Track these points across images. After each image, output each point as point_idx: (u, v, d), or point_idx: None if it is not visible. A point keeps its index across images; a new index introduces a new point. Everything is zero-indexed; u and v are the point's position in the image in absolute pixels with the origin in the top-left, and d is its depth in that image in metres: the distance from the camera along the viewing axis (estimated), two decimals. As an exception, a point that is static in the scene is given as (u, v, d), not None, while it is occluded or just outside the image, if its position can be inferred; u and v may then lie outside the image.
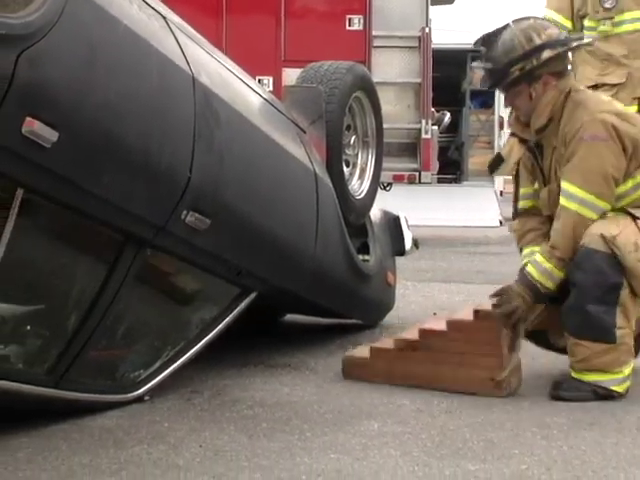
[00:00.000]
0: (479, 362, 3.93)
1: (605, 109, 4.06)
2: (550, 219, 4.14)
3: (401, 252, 5.67)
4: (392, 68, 11.25)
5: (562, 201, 4.00)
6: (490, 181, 16.19)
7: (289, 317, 5.54)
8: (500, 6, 24.24)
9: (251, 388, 4.06)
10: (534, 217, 4.28)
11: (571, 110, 4.08)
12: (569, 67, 4.21)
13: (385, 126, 5.33)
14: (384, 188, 11.78)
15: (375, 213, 5.43)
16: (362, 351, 4.28)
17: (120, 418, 3.55)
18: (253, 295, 4.20)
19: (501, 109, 16.62)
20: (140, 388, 3.77)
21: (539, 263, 4.00)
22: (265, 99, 4.41)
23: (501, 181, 16.74)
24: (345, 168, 4.96)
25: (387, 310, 5.56)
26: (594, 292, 3.87)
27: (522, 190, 4.32)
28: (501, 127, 16.95)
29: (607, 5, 5.76)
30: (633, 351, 4.01)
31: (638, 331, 4.05)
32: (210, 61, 3.93)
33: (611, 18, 5.78)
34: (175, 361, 3.91)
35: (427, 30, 11.21)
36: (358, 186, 5.12)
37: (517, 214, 4.34)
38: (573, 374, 3.96)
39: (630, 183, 4.02)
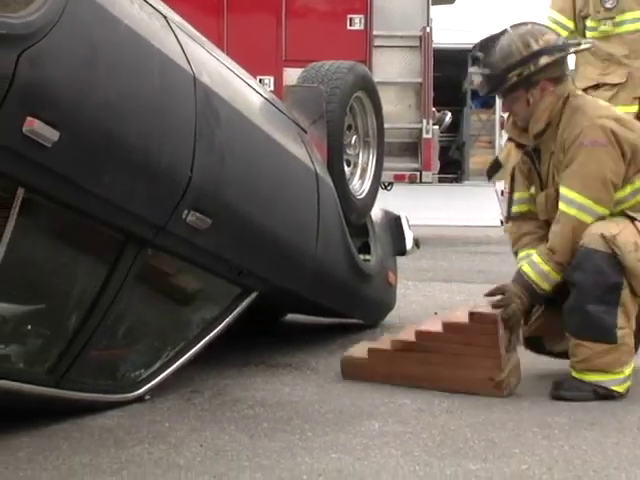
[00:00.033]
0: (477, 363, 3.93)
1: (604, 114, 4.07)
2: (546, 223, 4.16)
3: (402, 252, 5.67)
4: (393, 68, 11.26)
5: (562, 206, 4.01)
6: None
7: (290, 317, 5.54)
8: (501, 6, 24.26)
9: (252, 388, 4.06)
10: (530, 221, 4.28)
11: (569, 115, 4.08)
12: (567, 72, 4.21)
13: (386, 126, 5.33)
14: (385, 188, 11.78)
15: (376, 213, 5.43)
16: (360, 351, 4.27)
17: (121, 418, 3.55)
18: (254, 295, 4.20)
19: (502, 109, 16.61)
20: (141, 388, 3.77)
21: (536, 264, 4.00)
22: (266, 99, 4.41)
23: (502, 181, 16.72)
24: (346, 168, 4.96)
25: (388, 310, 5.56)
26: (594, 292, 3.87)
27: (517, 194, 4.32)
28: (502, 127, 16.93)
29: (608, 5, 5.77)
30: (634, 351, 4.02)
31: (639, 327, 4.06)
32: (211, 61, 3.93)
33: (612, 18, 5.78)
34: (176, 361, 3.90)
35: (428, 30, 11.22)
36: (359, 186, 5.12)
37: (510, 218, 4.35)
38: (574, 374, 3.96)
39: (629, 189, 4.02)
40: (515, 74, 4.07)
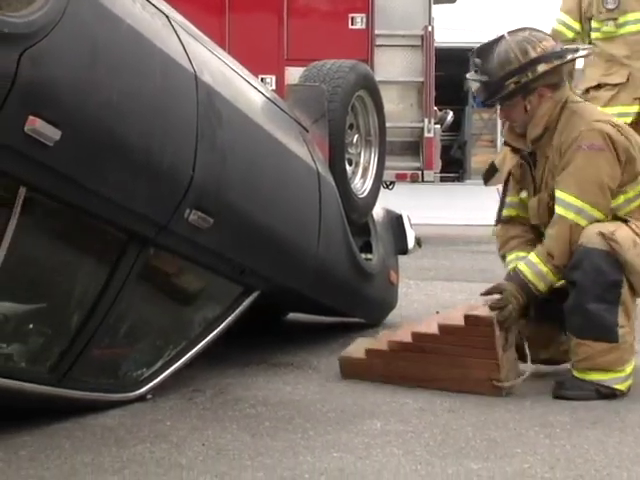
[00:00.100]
0: (476, 364, 3.92)
1: (602, 119, 4.09)
2: (536, 228, 4.16)
3: (404, 251, 5.67)
4: (395, 67, 11.25)
5: (559, 210, 4.01)
6: (492, 179, 16.19)
7: (292, 316, 5.54)
8: (502, 5, 24.23)
9: (254, 387, 4.06)
10: (518, 225, 4.30)
11: (567, 119, 4.09)
12: (565, 78, 4.22)
13: (388, 125, 5.33)
14: (387, 187, 11.78)
15: (378, 212, 5.42)
16: (358, 351, 4.26)
17: (122, 417, 3.55)
18: (256, 294, 4.20)
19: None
20: (142, 387, 3.77)
21: (534, 264, 4.00)
22: (268, 98, 4.41)
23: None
24: (348, 167, 4.96)
25: (390, 309, 5.56)
26: (594, 290, 3.87)
27: (508, 198, 4.32)
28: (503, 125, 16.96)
29: (609, 6, 5.80)
30: (635, 349, 4.02)
31: None
32: (213, 60, 3.93)
33: (615, 19, 5.81)
34: (177, 360, 3.90)
35: (430, 29, 11.21)
36: (361, 185, 5.12)
37: (500, 221, 4.35)
38: (575, 373, 3.96)
39: (622, 199, 4.03)
40: (513, 82, 4.07)
